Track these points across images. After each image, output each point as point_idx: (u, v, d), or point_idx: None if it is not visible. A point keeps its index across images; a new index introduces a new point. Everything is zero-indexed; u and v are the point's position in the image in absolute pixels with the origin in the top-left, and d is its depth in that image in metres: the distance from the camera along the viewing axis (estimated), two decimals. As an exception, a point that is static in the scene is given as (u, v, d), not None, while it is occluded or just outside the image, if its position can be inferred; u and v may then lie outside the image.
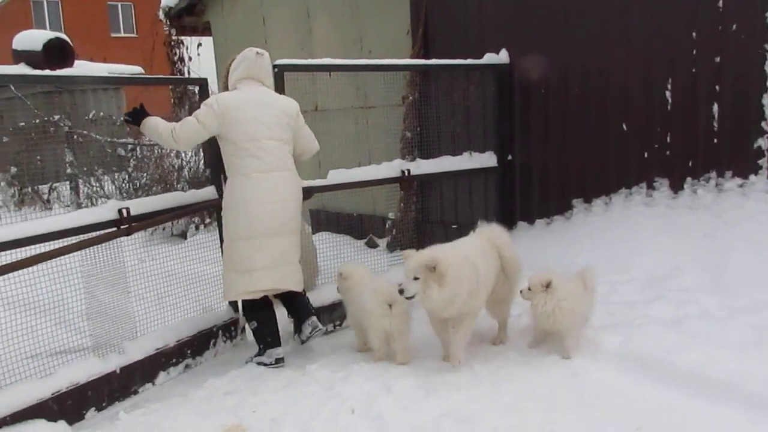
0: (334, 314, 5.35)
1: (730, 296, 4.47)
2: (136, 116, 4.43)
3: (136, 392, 4.35)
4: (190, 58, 11.22)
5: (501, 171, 6.61)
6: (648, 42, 5.51)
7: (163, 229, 8.92)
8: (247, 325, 4.98)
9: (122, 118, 4.79)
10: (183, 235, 9.07)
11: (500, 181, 6.65)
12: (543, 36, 6.23)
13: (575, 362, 4.04)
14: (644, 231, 5.41)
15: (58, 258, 3.93)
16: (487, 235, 4.45)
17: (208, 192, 5.04)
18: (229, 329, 5.14)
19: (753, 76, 4.96)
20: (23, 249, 3.73)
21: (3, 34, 16.23)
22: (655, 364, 3.76)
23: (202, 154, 9.12)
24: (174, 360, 4.65)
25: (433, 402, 3.63)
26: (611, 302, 4.67)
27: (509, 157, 6.61)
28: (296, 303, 4.73)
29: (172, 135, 4.34)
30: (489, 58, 6.47)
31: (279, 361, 4.56)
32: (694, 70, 5.27)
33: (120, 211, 4.28)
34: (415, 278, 3.88)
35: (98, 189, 9.73)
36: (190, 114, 4.68)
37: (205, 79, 5.18)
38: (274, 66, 5.02)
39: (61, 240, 3.95)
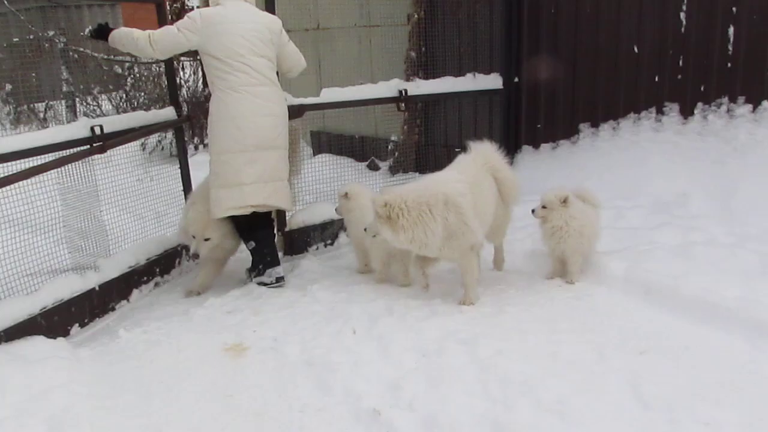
0: (325, 233, 5.45)
1: (738, 224, 4.42)
2: (101, 32, 4.37)
3: (113, 309, 4.42)
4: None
5: (506, 93, 6.43)
6: (666, -42, 5.28)
7: (162, 149, 8.78)
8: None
9: (87, 32, 4.60)
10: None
11: (506, 104, 6.48)
12: (556, -49, 5.96)
13: (579, 286, 4.02)
14: (652, 157, 5.33)
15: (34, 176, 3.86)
16: (479, 157, 4.16)
17: (167, 113, 5.03)
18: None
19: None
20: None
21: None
22: (661, 290, 3.72)
23: (201, 72, 8.92)
24: (145, 278, 4.72)
25: (435, 324, 3.60)
26: (617, 227, 4.62)
27: (516, 79, 6.44)
28: (269, 241, 4.66)
29: (150, 40, 4.27)
30: (498, -27, 6.21)
31: (279, 280, 4.54)
32: (713, -11, 5.08)
33: (93, 128, 4.22)
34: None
35: (95, 107, 9.53)
36: None
37: None
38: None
39: (33, 158, 3.87)
